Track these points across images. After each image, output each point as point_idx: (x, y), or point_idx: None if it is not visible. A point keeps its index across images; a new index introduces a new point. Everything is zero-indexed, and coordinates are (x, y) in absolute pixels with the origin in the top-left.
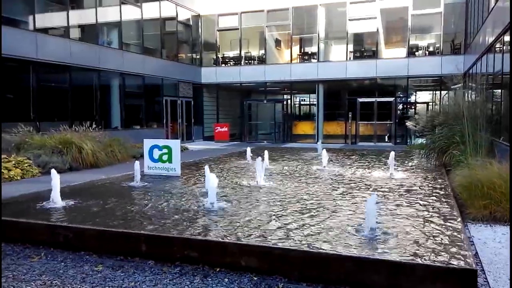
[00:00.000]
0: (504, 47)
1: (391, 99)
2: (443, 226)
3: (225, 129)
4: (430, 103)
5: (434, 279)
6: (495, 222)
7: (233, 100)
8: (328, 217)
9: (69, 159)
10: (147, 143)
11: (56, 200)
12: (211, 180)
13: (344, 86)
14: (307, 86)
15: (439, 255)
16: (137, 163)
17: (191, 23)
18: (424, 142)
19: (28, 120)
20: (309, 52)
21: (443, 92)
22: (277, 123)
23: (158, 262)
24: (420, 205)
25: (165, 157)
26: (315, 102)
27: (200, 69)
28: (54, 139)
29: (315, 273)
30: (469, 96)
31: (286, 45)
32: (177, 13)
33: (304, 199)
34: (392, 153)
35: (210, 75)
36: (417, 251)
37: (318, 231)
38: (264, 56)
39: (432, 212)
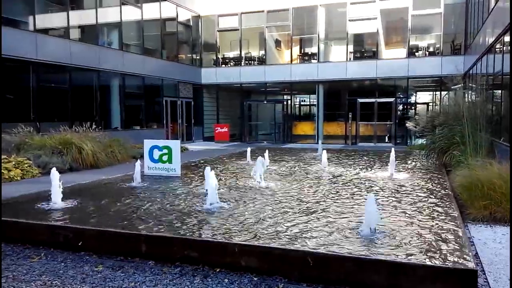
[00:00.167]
0: (504, 47)
1: (391, 99)
2: (443, 227)
3: (225, 129)
4: (430, 104)
5: (434, 279)
6: (495, 222)
7: (233, 101)
8: (329, 217)
9: (69, 159)
10: (147, 143)
11: (56, 201)
12: (211, 180)
13: (344, 87)
14: (307, 87)
15: (440, 256)
16: (137, 163)
17: (191, 23)
18: (424, 142)
19: (28, 120)
20: (309, 53)
21: (443, 93)
22: (277, 123)
23: (158, 263)
24: (420, 205)
25: (165, 158)
26: (315, 103)
27: (200, 70)
28: (54, 140)
29: (315, 273)
30: (469, 96)
31: (286, 45)
32: (177, 13)
33: (304, 199)
34: (393, 154)
35: (210, 75)
36: (417, 251)
37: (319, 231)
38: (264, 57)
39: (432, 212)
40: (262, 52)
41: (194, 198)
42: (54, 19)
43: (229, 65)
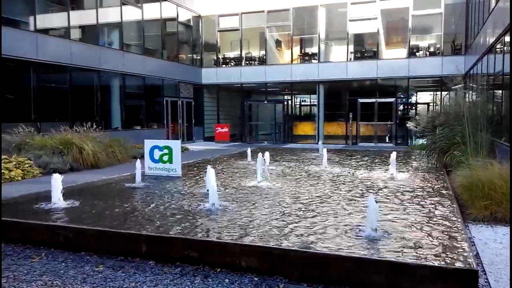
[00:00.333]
0: (505, 47)
1: (392, 99)
2: (444, 227)
3: (226, 129)
4: (431, 104)
5: (435, 280)
6: (496, 222)
7: (234, 101)
8: (330, 217)
9: (70, 159)
10: (148, 143)
11: (57, 201)
12: (212, 180)
13: (344, 87)
14: (307, 87)
15: (440, 256)
16: (138, 163)
17: (191, 23)
18: (425, 142)
19: (29, 120)
20: (310, 53)
21: (444, 93)
22: (277, 123)
23: (158, 263)
24: (421, 205)
25: (165, 158)
26: (316, 103)
27: (201, 70)
28: (54, 140)
29: (315, 273)
30: (470, 96)
31: (287, 45)
32: (177, 13)
33: (305, 200)
34: (394, 154)
35: (210, 75)
36: (417, 251)
37: (319, 232)
38: (264, 57)
39: (433, 212)
40: (263, 52)
41: (195, 198)
42: (54, 19)
43: (229, 65)
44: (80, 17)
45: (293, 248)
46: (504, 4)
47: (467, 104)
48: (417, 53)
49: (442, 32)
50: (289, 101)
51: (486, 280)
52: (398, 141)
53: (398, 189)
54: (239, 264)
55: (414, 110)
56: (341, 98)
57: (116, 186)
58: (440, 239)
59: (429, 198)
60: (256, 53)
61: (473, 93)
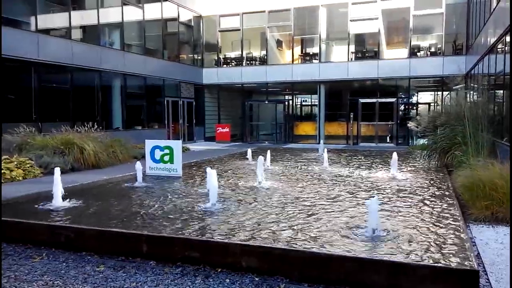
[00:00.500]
0: (506, 47)
1: (393, 99)
2: (445, 227)
3: (227, 129)
4: (432, 104)
5: (435, 280)
6: (497, 223)
7: (235, 101)
8: (330, 217)
9: (71, 159)
10: (149, 143)
11: (58, 201)
12: (212, 180)
13: (345, 87)
14: (308, 87)
15: (441, 256)
16: (138, 163)
17: (192, 24)
18: (426, 142)
19: (30, 120)
20: (311, 53)
21: (445, 93)
22: (278, 123)
23: (159, 263)
24: (422, 205)
25: (166, 158)
26: (317, 103)
27: (202, 70)
28: (56, 140)
29: (315, 273)
30: (471, 96)
31: (288, 45)
32: (178, 14)
33: (305, 200)
34: (395, 154)
35: (211, 75)
36: (418, 251)
37: (320, 232)
38: (265, 57)
39: (434, 212)
40: (264, 52)
41: (195, 198)
42: (55, 20)
43: (230, 65)
44: (81, 17)
45: (293, 248)
46: (505, 4)
47: (468, 104)
48: (418, 53)
49: (443, 32)
50: (290, 101)
51: (487, 280)
52: (399, 141)
53: (399, 189)
54: (240, 264)
55: (415, 110)
56: (342, 98)
57: (117, 186)
58: (440, 239)
59: (430, 198)
60: (257, 53)
61: (474, 93)
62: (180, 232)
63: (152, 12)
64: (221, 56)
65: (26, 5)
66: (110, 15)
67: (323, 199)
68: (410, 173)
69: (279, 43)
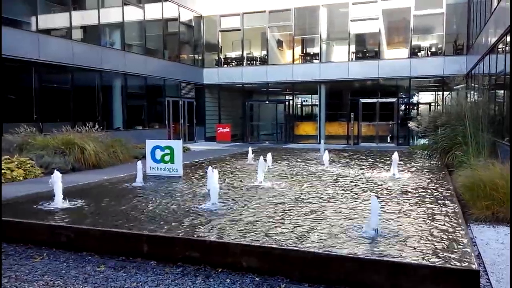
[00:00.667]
0: (506, 47)
1: (394, 99)
2: (446, 227)
3: (227, 129)
4: (433, 104)
5: (435, 280)
6: (498, 223)
7: (235, 101)
8: (331, 217)
9: (72, 159)
10: (149, 143)
11: (59, 201)
12: (213, 180)
13: (346, 87)
14: (309, 87)
15: (441, 256)
16: (139, 163)
17: (193, 24)
18: (427, 142)
19: (31, 120)
20: (311, 53)
21: (446, 93)
22: (279, 123)
23: (160, 263)
24: (423, 205)
25: (167, 158)
26: (317, 103)
27: (202, 70)
28: (56, 140)
29: (316, 273)
30: (472, 96)
31: (288, 45)
32: (179, 14)
33: (306, 200)
34: (395, 154)
35: (212, 75)
36: (418, 251)
37: (321, 232)
38: (266, 57)
39: (434, 212)
40: (264, 52)
41: (196, 198)
42: (56, 20)
43: (231, 65)
44: (82, 17)
45: (293, 248)
46: (505, 4)
47: (469, 104)
48: (418, 53)
49: (443, 32)
50: (291, 101)
51: (487, 280)
52: (400, 141)
53: (400, 189)
54: (240, 264)
55: (415, 110)
56: (343, 98)
57: (118, 186)
58: (441, 239)
59: (431, 198)
60: (257, 53)
61: (475, 93)
62: (181, 232)
63: (152, 12)
64: (222, 56)
65: (26, 5)
66: (111, 15)
67: (324, 199)
68: (411, 173)
69: (279, 43)
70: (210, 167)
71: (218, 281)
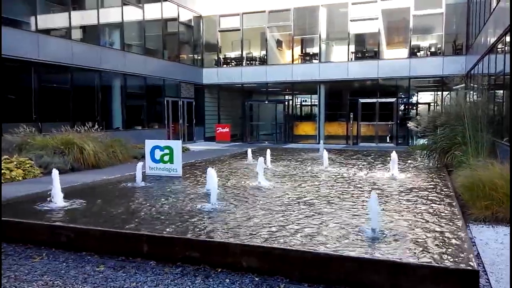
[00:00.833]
0: (506, 47)
1: (393, 99)
2: (445, 227)
3: (227, 129)
4: (432, 104)
5: (435, 280)
6: (497, 223)
7: (235, 101)
8: (331, 217)
9: (71, 159)
10: (149, 143)
11: (58, 201)
12: (212, 180)
13: (345, 87)
14: (308, 87)
15: (441, 256)
16: (139, 163)
17: (192, 24)
18: (426, 142)
19: (30, 120)
20: (311, 53)
21: (445, 93)
22: (278, 123)
23: (159, 263)
24: (422, 205)
25: (166, 158)
26: (317, 103)
27: (202, 70)
28: (56, 140)
29: (316, 273)
30: (471, 96)
31: (288, 45)
32: (178, 14)
33: (306, 200)
34: (395, 154)
35: (211, 75)
36: (418, 252)
37: (321, 232)
38: (265, 57)
39: (434, 212)
40: (264, 52)
41: (195, 198)
42: (56, 20)
43: (230, 65)
44: (82, 17)
45: (293, 248)
46: (505, 4)
47: (468, 104)
48: (418, 53)
49: (443, 32)
50: (290, 101)
51: (487, 280)
52: (399, 141)
53: (399, 189)
54: (240, 264)
55: (415, 110)
56: (342, 98)
57: (117, 186)
58: (441, 239)
59: (430, 198)
60: (257, 53)
61: (474, 93)
62: (180, 232)
63: (152, 12)
64: (221, 56)
65: (26, 5)
66: (110, 15)
67: (324, 198)
68: (410, 173)
69: (279, 43)
70: (209, 168)
71: (218, 281)
